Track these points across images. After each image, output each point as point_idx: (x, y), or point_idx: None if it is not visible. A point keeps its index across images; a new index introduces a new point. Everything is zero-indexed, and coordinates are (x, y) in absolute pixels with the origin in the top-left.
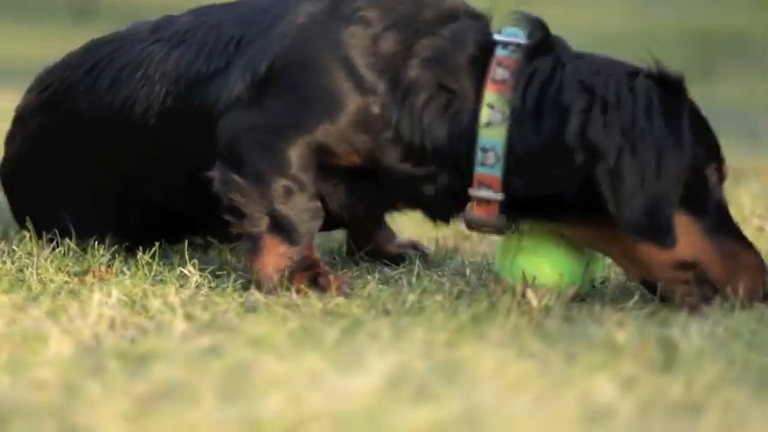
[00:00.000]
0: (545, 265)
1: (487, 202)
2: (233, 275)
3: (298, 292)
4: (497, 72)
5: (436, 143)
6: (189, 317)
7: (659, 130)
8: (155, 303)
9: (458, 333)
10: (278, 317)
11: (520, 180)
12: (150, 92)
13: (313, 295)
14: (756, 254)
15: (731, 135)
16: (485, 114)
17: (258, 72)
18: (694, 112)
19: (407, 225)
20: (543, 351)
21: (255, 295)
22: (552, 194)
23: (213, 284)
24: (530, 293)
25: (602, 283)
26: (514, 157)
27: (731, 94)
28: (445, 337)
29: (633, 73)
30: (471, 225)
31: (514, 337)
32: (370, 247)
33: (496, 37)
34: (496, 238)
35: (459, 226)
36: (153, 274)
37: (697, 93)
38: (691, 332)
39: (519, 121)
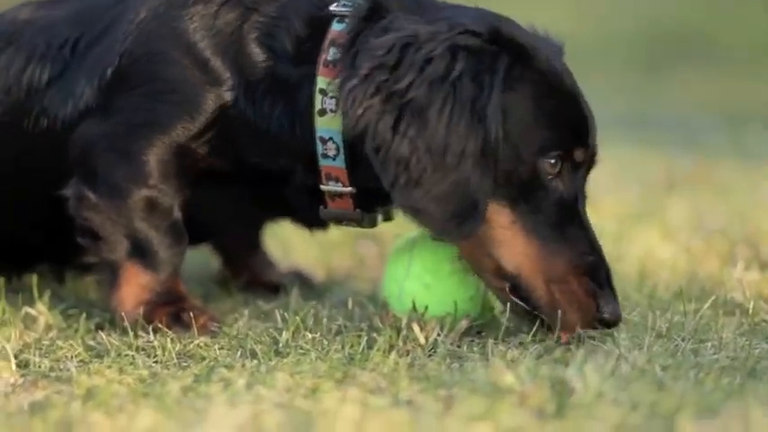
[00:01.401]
0: (437, 291)
1: (340, 195)
2: (85, 314)
3: (155, 331)
4: (330, 52)
5: (282, 135)
6: (24, 365)
7: (457, 99)
8: None
9: (326, 378)
10: (126, 362)
11: (366, 170)
12: None
13: (173, 334)
14: (593, 275)
15: (672, 140)
16: (318, 102)
17: (105, 76)
18: (544, 83)
19: (302, 249)
20: (420, 397)
21: (106, 337)
22: None
23: (65, 325)
24: (415, 327)
25: (503, 311)
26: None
27: (681, 95)
28: (310, 382)
29: (465, 31)
30: (331, 220)
31: (390, 381)
32: (246, 276)
33: (332, 8)
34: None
35: (354, 249)
36: None
37: (647, 93)
38: (588, 371)
39: None
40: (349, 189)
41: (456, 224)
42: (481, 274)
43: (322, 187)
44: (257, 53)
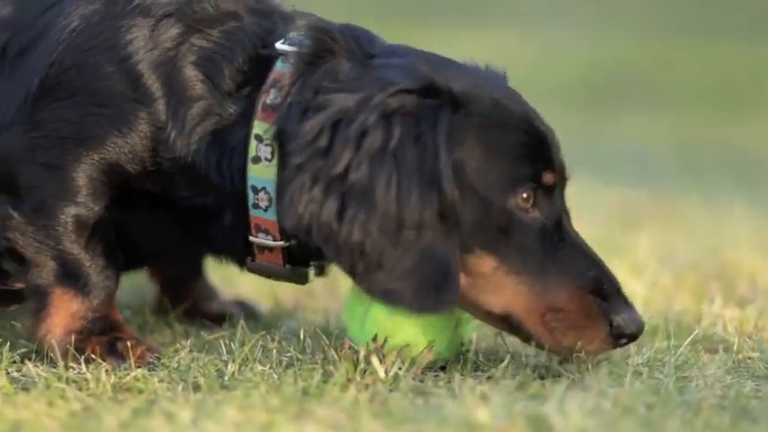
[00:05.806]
0: (403, 321)
1: (269, 249)
2: (9, 343)
3: (88, 362)
4: (270, 95)
5: (210, 172)
6: None
7: (402, 169)
8: None
9: (279, 413)
10: (56, 395)
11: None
12: None
13: (107, 366)
14: (597, 296)
15: (628, 177)
16: (252, 148)
17: (32, 89)
18: (491, 122)
19: (246, 280)
20: None
21: (33, 368)
22: None
23: None
24: (374, 360)
25: (467, 351)
26: None
27: (629, 135)
28: (263, 417)
29: (396, 92)
30: (258, 273)
31: (351, 417)
32: (187, 305)
33: (278, 46)
34: (346, 290)
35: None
36: None
37: (594, 134)
38: (569, 408)
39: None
40: (280, 243)
41: (433, 296)
42: (479, 315)
43: (251, 239)
44: (192, 79)
